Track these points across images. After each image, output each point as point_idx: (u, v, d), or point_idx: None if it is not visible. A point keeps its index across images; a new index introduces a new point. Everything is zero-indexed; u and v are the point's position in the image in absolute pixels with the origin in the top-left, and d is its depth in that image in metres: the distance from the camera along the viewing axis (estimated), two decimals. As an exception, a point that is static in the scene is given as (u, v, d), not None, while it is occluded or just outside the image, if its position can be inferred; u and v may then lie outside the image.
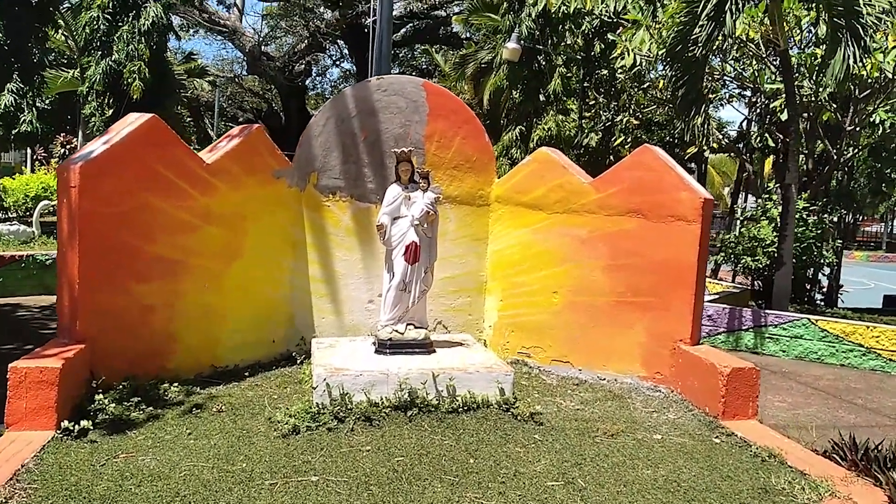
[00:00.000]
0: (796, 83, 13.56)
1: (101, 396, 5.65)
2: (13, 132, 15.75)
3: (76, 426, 5.19)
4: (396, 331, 6.53)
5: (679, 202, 6.72)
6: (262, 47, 24.42)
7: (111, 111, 16.10)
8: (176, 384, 6.27)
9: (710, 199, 6.76)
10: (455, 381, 5.96)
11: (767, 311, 11.99)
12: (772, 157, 21.28)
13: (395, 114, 7.49)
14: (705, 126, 14.03)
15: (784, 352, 11.56)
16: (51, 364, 5.22)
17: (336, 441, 5.36)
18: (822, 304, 16.99)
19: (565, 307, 7.30)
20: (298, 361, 7.25)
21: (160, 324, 6.38)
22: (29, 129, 15.61)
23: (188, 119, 23.45)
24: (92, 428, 5.33)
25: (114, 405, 5.67)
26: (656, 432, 5.90)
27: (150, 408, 5.83)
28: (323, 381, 5.78)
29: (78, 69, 17.66)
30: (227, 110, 27.25)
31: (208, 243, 6.66)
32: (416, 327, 6.62)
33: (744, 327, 11.93)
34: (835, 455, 5.54)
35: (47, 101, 19.09)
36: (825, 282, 17.15)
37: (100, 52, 15.74)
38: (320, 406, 5.73)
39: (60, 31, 18.31)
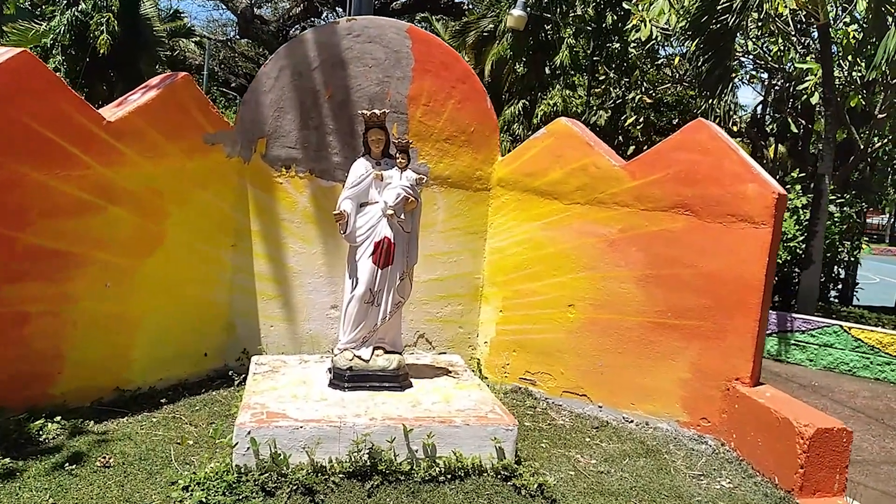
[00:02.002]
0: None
1: (-70, 446, 3.77)
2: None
3: None
4: (359, 357, 4.60)
5: (743, 197, 4.79)
6: (256, 10, 22.11)
7: (79, 67, 14.05)
8: (58, 418, 4.42)
9: (784, 194, 4.82)
10: (435, 437, 4.05)
11: (794, 315, 10.15)
12: (776, 144, 19.31)
13: (371, 66, 5.46)
14: (731, 107, 12.10)
15: (811, 361, 9.83)
16: None
17: (257, 532, 3.48)
18: (837, 301, 15.20)
19: (584, 325, 5.38)
20: (237, 382, 5.36)
21: (39, 337, 4.47)
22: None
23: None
24: None
25: (-48, 457, 3.79)
26: (710, 515, 4.05)
27: (9, 458, 3.96)
28: (246, 436, 3.86)
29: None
30: (218, 74, 25.01)
31: (112, 230, 4.71)
32: (386, 352, 4.70)
33: (766, 331, 10.08)
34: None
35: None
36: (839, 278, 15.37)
37: (65, 2, 13.61)
38: (242, 470, 3.82)
39: (27, -23, 16.14)
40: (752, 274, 4.78)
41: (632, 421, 5.23)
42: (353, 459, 3.94)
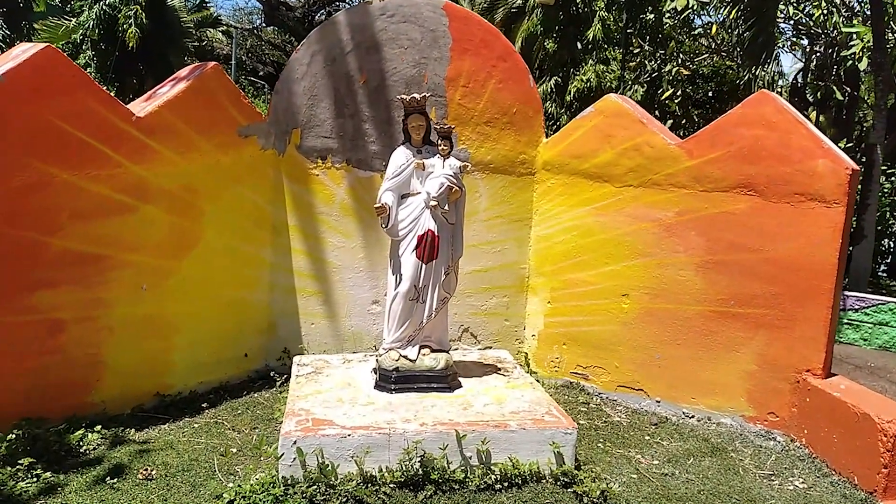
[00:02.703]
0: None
1: (-32, 461, 3.61)
2: None
3: None
4: (405, 357, 4.34)
5: (814, 174, 4.38)
6: (280, -4, 21.77)
7: (109, 61, 13.93)
8: (99, 427, 4.27)
9: (858, 169, 4.40)
10: (490, 442, 3.78)
11: (847, 293, 9.62)
12: (816, 113, 18.51)
13: (407, 48, 5.14)
14: (774, 76, 11.52)
15: (866, 341, 9.31)
16: None
17: (307, 550, 3.25)
18: (886, 276, 14.54)
19: (639, 316, 5.04)
20: (278, 382, 5.16)
21: (76, 345, 4.30)
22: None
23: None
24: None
25: (-9, 472, 3.64)
26: (787, 520, 3.71)
27: (50, 472, 3.79)
28: (292, 446, 3.63)
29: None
30: (246, 63, 24.79)
31: (146, 231, 4.51)
32: (433, 350, 4.42)
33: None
34: None
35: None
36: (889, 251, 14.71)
37: (92, -4, 13.49)
38: (289, 482, 3.60)
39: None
40: (823, 258, 4.38)
41: (693, 416, 4.90)
42: (404, 468, 3.70)
